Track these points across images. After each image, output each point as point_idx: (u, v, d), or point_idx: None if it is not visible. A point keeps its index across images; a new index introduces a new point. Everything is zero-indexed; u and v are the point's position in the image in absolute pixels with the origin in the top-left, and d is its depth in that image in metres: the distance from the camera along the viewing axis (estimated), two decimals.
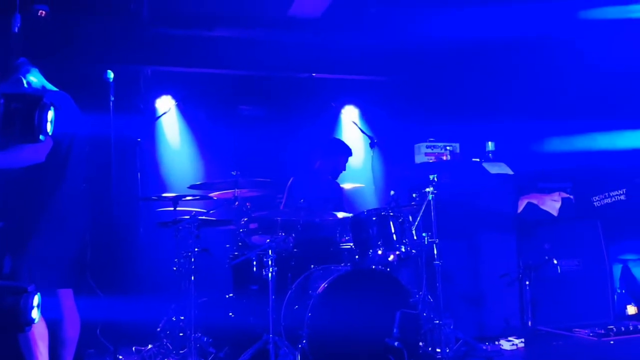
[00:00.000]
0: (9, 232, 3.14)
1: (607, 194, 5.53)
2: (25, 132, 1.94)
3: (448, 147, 5.39)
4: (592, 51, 5.38)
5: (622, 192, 5.46)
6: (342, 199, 5.19)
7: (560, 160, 5.60)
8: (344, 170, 5.16)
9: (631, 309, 5.36)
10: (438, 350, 4.17)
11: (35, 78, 3.24)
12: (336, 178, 5.17)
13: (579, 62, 5.51)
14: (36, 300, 1.84)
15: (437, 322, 4.19)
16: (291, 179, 5.04)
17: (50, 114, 1.96)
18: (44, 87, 3.27)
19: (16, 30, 2.40)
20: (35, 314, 1.83)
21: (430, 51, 5.84)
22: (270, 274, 3.88)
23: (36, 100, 1.92)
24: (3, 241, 3.09)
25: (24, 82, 3.18)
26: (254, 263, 4.42)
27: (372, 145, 5.28)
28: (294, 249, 4.47)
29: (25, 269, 2.99)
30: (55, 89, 3.31)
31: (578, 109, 5.54)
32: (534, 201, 5.54)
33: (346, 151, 5.13)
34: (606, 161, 5.48)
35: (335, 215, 4.48)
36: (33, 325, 1.83)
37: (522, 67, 5.83)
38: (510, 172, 5.22)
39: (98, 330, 3.67)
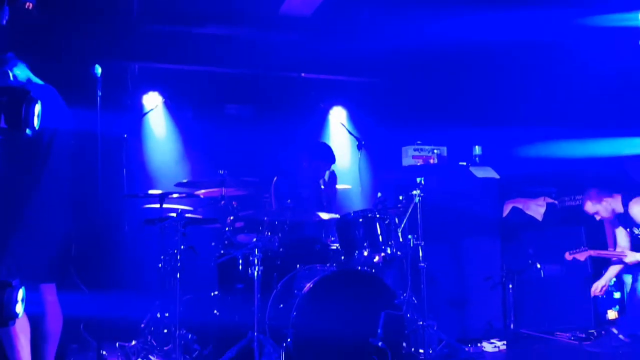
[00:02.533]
0: None
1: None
2: (11, 126, 1.92)
3: (435, 151, 5.42)
4: (581, 58, 5.45)
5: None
6: (333, 200, 5.16)
7: (546, 165, 5.66)
8: (322, 177, 5.10)
9: (611, 314, 5.43)
10: (421, 351, 4.21)
11: (20, 72, 3.23)
12: (315, 182, 5.11)
13: (567, 68, 5.57)
14: (20, 294, 1.83)
15: (421, 323, 4.22)
16: (275, 179, 5.01)
17: (37, 108, 1.94)
18: (29, 80, 3.25)
19: (4, 22, 2.37)
20: (19, 308, 1.82)
21: (420, 54, 5.86)
22: (256, 273, 3.88)
23: (23, 94, 1.90)
24: None
25: (10, 75, 3.16)
26: (240, 262, 4.40)
27: (359, 147, 5.27)
28: (279, 248, 4.47)
29: (3, 265, 2.96)
30: (41, 82, 3.29)
31: (565, 115, 5.60)
32: (519, 205, 5.59)
33: (328, 158, 5.07)
34: (591, 167, 5.54)
35: (322, 216, 4.48)
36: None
37: (510, 72, 5.88)
38: (497, 176, 5.26)
39: (82, 326, 3.64)
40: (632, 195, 4.77)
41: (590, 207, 4.93)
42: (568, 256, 4.91)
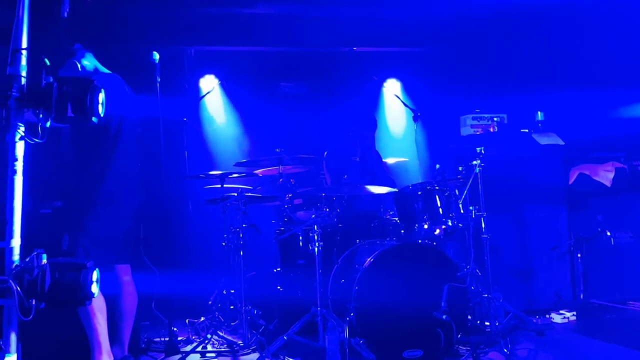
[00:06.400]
0: (66, 212, 3.28)
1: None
2: (77, 115, 1.99)
3: (495, 118, 5.26)
4: None
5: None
6: (384, 173, 5.12)
7: (613, 128, 5.40)
8: (367, 146, 5.00)
9: None
10: (487, 323, 4.15)
11: (88, 62, 3.36)
12: (363, 153, 5.03)
13: (632, 26, 5.26)
14: (95, 275, 1.92)
15: (486, 295, 4.15)
16: (325, 153, 4.99)
17: (101, 96, 2.00)
18: (96, 70, 3.37)
19: (65, 15, 2.46)
20: (94, 288, 1.91)
21: (474, 20, 5.66)
22: (316, 249, 3.92)
23: (87, 83, 1.97)
24: (61, 220, 3.23)
25: (78, 66, 3.28)
26: (300, 238, 4.47)
27: (415, 118, 5.17)
28: (338, 224, 4.49)
29: (81, 247, 3.12)
30: (108, 71, 3.41)
31: (631, 76, 5.30)
32: (586, 172, 5.37)
33: (368, 124, 4.97)
34: None
35: (379, 190, 4.46)
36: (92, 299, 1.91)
37: (572, 33, 5.60)
38: (561, 143, 5.07)
39: (153, 304, 3.80)
40: None
41: None
42: None
